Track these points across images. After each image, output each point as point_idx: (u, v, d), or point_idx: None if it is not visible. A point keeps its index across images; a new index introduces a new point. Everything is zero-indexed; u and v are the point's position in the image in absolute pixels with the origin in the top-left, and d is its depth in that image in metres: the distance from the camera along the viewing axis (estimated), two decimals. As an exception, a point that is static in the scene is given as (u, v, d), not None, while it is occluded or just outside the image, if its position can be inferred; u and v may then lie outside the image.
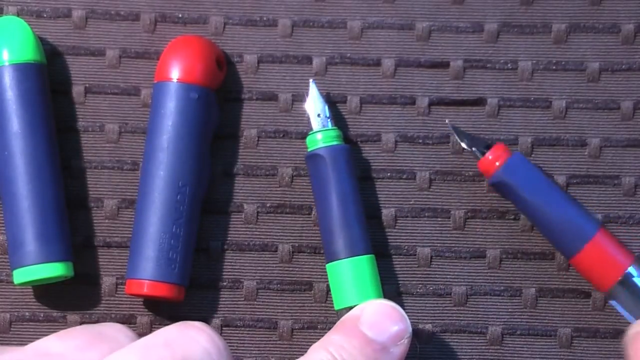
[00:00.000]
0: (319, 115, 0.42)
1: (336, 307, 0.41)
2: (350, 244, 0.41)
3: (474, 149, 0.42)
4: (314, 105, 0.42)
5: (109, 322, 0.39)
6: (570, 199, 0.42)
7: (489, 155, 0.42)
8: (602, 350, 0.43)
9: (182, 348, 0.34)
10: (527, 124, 0.44)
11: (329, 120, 0.42)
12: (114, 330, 0.37)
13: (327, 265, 0.42)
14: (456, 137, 0.43)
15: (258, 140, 0.44)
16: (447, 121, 0.43)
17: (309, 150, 0.42)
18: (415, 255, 0.43)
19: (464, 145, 0.43)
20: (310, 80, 0.43)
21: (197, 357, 0.34)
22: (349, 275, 0.41)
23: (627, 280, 0.41)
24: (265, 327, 0.43)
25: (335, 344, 0.38)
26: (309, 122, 0.42)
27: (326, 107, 0.42)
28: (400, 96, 0.44)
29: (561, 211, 0.41)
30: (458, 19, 0.44)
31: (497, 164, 0.42)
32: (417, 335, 0.43)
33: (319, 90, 0.43)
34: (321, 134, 0.42)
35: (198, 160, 0.42)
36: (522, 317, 0.43)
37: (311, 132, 0.42)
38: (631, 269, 0.41)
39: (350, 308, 0.40)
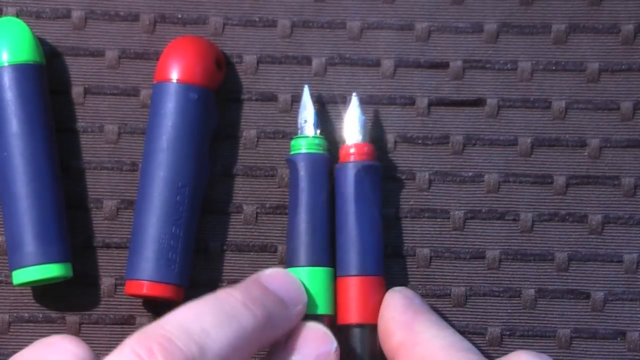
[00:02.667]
0: (305, 121, 0.42)
1: None
2: (311, 254, 0.41)
3: (357, 128, 0.42)
4: (303, 111, 0.42)
5: (69, 337, 0.37)
6: (372, 231, 0.41)
7: (352, 147, 0.42)
8: (601, 351, 0.43)
9: None
10: (527, 125, 0.44)
11: (315, 128, 0.42)
12: (61, 355, 0.36)
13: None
14: (357, 111, 0.42)
15: (257, 141, 0.44)
16: (353, 95, 0.43)
17: (291, 153, 0.42)
18: (414, 255, 0.43)
19: (351, 124, 0.42)
20: (305, 86, 0.43)
21: None
22: (305, 284, 0.41)
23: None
24: (264, 327, 0.43)
25: None
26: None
27: (314, 115, 0.42)
28: (399, 97, 0.44)
29: (359, 234, 0.41)
30: (457, 20, 0.44)
31: (352, 158, 0.42)
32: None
33: (317, 86, 0.42)
34: (304, 140, 0.42)
35: (197, 160, 0.42)
36: (522, 318, 0.43)
37: (295, 137, 0.42)
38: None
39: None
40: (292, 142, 0.42)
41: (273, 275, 0.40)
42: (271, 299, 0.39)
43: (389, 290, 0.41)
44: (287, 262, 0.42)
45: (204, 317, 0.36)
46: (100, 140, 0.44)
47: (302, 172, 0.41)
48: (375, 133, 0.43)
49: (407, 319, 0.40)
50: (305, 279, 0.41)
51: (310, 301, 0.41)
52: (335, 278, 0.41)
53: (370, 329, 0.41)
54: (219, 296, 0.38)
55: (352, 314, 0.41)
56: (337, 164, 0.42)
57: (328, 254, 0.41)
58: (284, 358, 0.39)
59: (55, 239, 0.41)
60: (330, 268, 0.41)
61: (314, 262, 0.41)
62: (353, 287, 0.41)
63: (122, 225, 0.43)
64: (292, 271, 0.41)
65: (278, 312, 0.39)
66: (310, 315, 0.41)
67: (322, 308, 0.41)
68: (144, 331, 0.35)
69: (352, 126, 0.42)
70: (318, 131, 0.42)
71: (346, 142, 0.42)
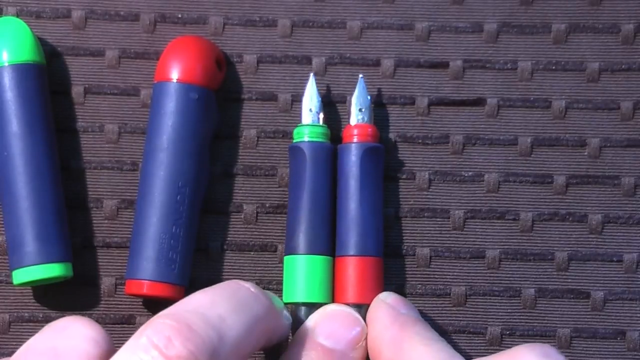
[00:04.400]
0: (310, 110, 0.42)
1: (284, 301, 0.41)
2: (311, 241, 0.41)
3: (362, 109, 0.42)
4: (308, 100, 0.42)
5: (80, 319, 0.36)
6: (373, 212, 0.41)
7: (355, 128, 0.42)
8: (601, 351, 0.43)
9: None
10: (527, 124, 0.44)
11: (319, 116, 0.42)
12: (75, 340, 0.35)
13: (285, 258, 0.42)
14: (362, 93, 0.42)
15: (257, 141, 0.44)
16: (360, 76, 0.43)
17: (293, 141, 0.42)
18: (414, 255, 0.43)
19: (356, 105, 0.42)
20: (311, 74, 0.43)
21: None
22: (303, 272, 0.41)
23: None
24: (264, 327, 0.43)
25: None
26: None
27: (319, 104, 0.42)
28: (399, 96, 0.44)
29: (360, 214, 0.41)
30: (457, 19, 0.44)
31: (356, 139, 0.42)
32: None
33: (317, 86, 0.43)
34: (308, 129, 0.42)
35: (198, 160, 0.42)
36: (521, 317, 0.43)
37: (299, 125, 0.42)
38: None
39: (296, 304, 0.41)
40: (295, 130, 0.42)
41: None
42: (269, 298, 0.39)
43: (375, 299, 0.41)
44: (286, 249, 0.42)
45: (219, 304, 0.36)
46: (100, 140, 0.44)
47: (305, 160, 0.41)
48: (375, 133, 0.43)
49: (393, 335, 0.39)
50: (303, 267, 0.41)
51: (309, 289, 0.41)
52: (333, 267, 0.41)
53: (368, 309, 0.41)
54: (230, 284, 0.38)
55: (350, 294, 0.41)
56: (340, 144, 0.42)
57: (328, 243, 0.41)
58: (311, 344, 0.39)
59: (55, 239, 0.41)
60: (329, 257, 0.41)
61: (313, 250, 0.41)
62: (352, 267, 0.41)
63: (122, 225, 0.43)
64: (290, 259, 0.41)
65: (280, 308, 0.39)
66: (307, 304, 0.41)
67: (320, 296, 0.41)
68: (159, 317, 0.34)
69: (356, 107, 0.42)
70: (322, 120, 0.42)
71: (350, 122, 0.42)
